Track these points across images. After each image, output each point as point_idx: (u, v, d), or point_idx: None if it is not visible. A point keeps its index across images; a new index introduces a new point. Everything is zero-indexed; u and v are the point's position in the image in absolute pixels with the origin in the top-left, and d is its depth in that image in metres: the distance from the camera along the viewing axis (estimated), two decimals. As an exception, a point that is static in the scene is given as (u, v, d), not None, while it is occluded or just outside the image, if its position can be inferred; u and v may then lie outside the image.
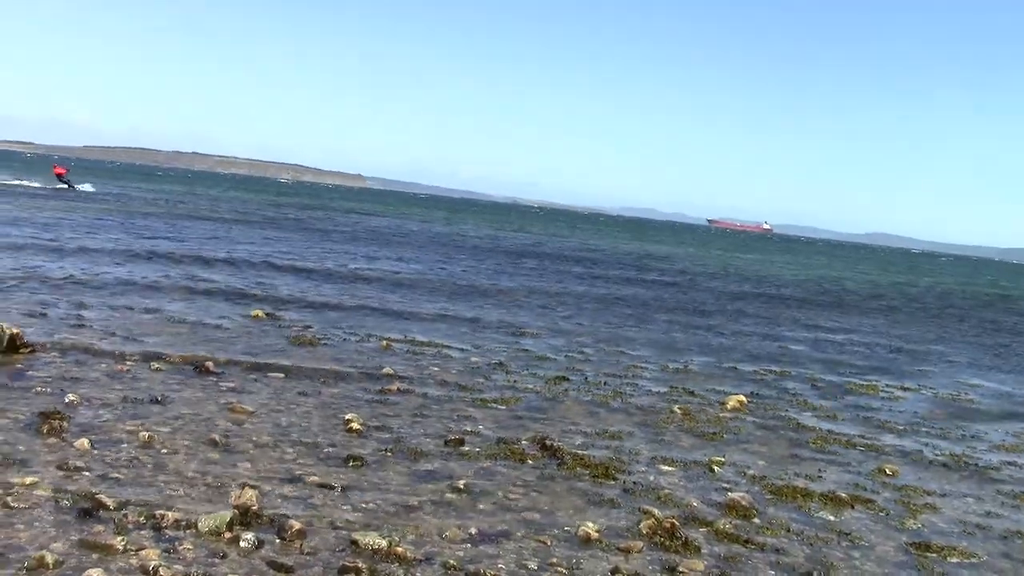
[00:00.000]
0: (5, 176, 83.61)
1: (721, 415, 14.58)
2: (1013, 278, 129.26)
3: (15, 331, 13.38)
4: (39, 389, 11.55)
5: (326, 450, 10.39)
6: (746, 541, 8.99)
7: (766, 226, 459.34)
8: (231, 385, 13.00)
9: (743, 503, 10.00)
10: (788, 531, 9.46)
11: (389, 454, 10.52)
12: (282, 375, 13.96)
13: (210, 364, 13.80)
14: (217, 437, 10.26)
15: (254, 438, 10.53)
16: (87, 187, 77.23)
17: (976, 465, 13.32)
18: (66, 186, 73.71)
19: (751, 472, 11.50)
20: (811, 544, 9.18)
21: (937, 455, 13.70)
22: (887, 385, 19.58)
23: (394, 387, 13.93)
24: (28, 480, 8.35)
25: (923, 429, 15.55)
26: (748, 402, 15.64)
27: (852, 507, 10.52)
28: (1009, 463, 13.69)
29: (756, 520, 9.66)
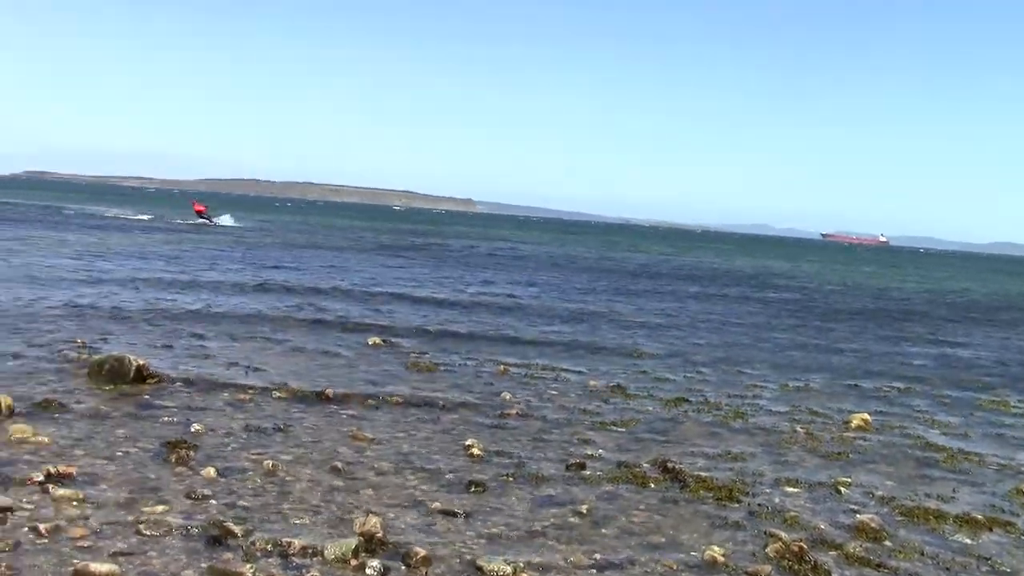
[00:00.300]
0: (132, 211, 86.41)
1: (845, 434, 14.28)
2: None
3: (141, 362, 13.68)
4: (166, 419, 11.78)
5: (447, 476, 10.40)
6: (878, 565, 8.77)
7: (882, 238, 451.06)
8: (351, 413, 13.10)
9: (873, 525, 9.76)
10: (922, 555, 9.20)
11: (510, 479, 10.49)
12: (401, 402, 14.03)
13: (330, 392, 13.93)
14: (340, 465, 10.34)
15: (376, 465, 10.59)
16: (226, 220, 76.33)
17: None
18: (206, 222, 73.03)
19: (879, 493, 11.21)
20: (948, 568, 8.92)
21: (1078, 473, 13.22)
22: (1019, 401, 19.01)
23: (513, 411, 13.93)
24: (159, 508, 8.51)
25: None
26: (872, 420, 15.30)
27: (990, 530, 10.18)
28: None
29: (887, 543, 9.42)
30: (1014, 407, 18.22)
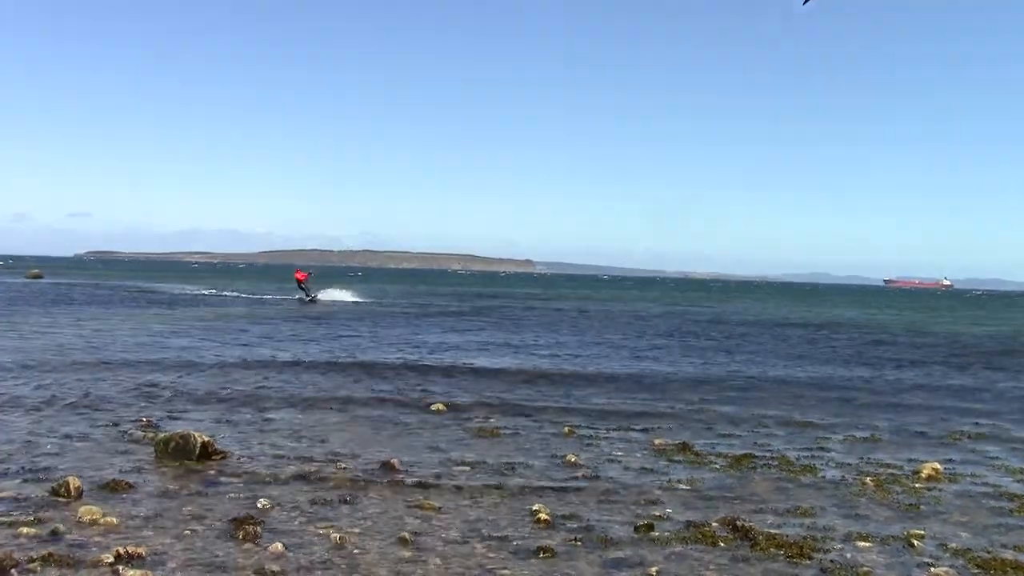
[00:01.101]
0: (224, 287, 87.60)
1: (916, 485, 14.08)
2: None
3: (206, 439, 13.84)
4: (232, 495, 11.89)
5: (515, 543, 10.38)
6: (955, 618, 8.64)
7: (946, 282, 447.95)
8: (417, 481, 13.12)
9: (948, 578, 9.62)
10: (999, 606, 9.06)
11: (578, 543, 10.45)
12: (468, 468, 14.05)
13: (395, 462, 13.97)
14: (407, 535, 10.36)
15: (443, 534, 10.60)
16: (338, 293, 69.37)
17: None
18: (304, 295, 65.17)
19: (953, 545, 11.02)
20: (1025, 619, 8.77)
21: None
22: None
23: (579, 474, 13.90)
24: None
25: None
26: (943, 469, 15.09)
27: (1068, 578, 10.01)
28: None
29: (964, 596, 9.28)
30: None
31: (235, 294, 77.40)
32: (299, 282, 66.51)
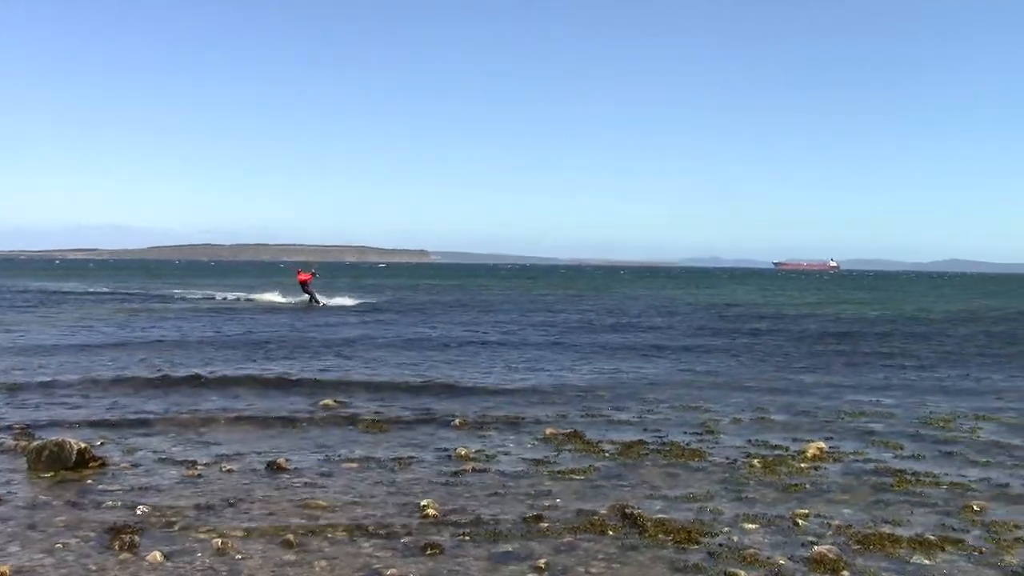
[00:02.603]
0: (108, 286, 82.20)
1: (802, 465, 14.30)
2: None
3: (83, 446, 13.46)
4: (110, 503, 11.53)
5: (403, 540, 10.28)
6: (837, 596, 8.76)
7: (832, 263, 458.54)
8: (305, 480, 12.95)
9: (830, 556, 9.75)
10: (880, 581, 9.21)
11: (467, 537, 10.39)
12: (355, 465, 13.91)
13: (282, 461, 13.79)
14: (292, 537, 10.19)
15: (329, 534, 10.45)
16: (344, 301, 60.33)
17: (1069, 492, 12.93)
18: (309, 299, 58.20)
19: (836, 522, 11.21)
20: (904, 593, 8.93)
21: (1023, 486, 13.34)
22: (967, 416, 19.19)
23: (469, 467, 13.83)
24: (104, 600, 8.33)
25: (1007, 460, 15.17)
26: (828, 448, 15.37)
27: (943, 549, 10.22)
28: (1103, 488, 13.29)
29: (845, 572, 9.42)
30: (963, 423, 18.43)
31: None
32: (303, 284, 59.72)
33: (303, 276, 60.41)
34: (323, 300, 58.57)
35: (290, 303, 58.78)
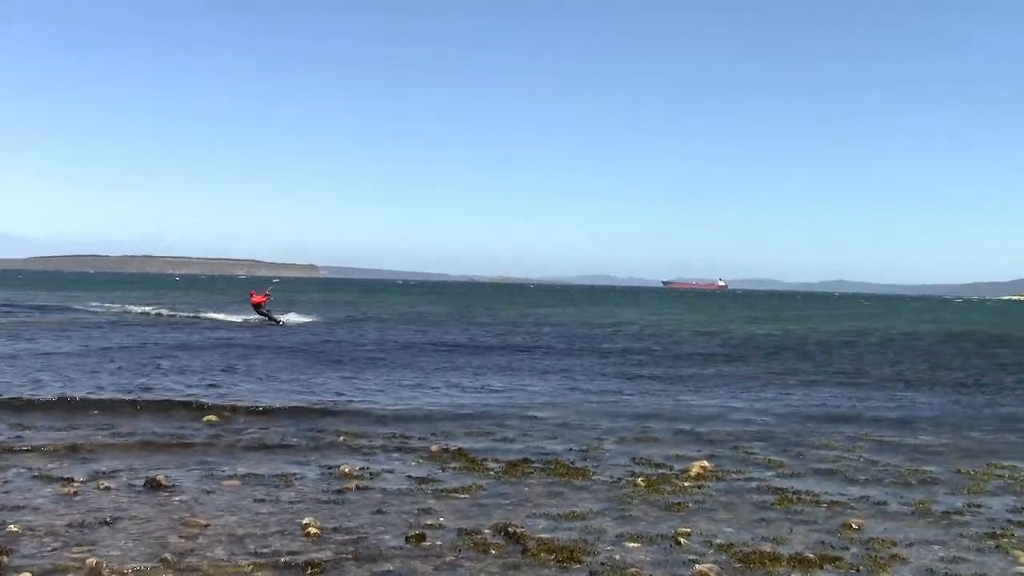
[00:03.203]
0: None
1: (685, 483, 14.43)
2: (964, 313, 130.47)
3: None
4: (-22, 523, 11.19)
5: (283, 559, 10.11)
6: (716, 615, 8.83)
7: (721, 283, 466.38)
8: (184, 498, 12.71)
9: (711, 574, 9.83)
10: (758, 599, 9.31)
11: (348, 557, 10.26)
12: (237, 482, 13.70)
13: (162, 478, 13.52)
14: (169, 556, 9.98)
15: (208, 553, 10.25)
16: (293, 317, 57.82)
17: (940, 511, 13.24)
18: (266, 318, 55.29)
19: (718, 540, 11.31)
20: (782, 611, 9.04)
21: (901, 503, 13.64)
22: (848, 436, 19.59)
23: (352, 485, 13.70)
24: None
25: (886, 478, 15.49)
26: (711, 467, 15.52)
27: (821, 567, 10.37)
28: (972, 505, 13.63)
29: (725, 591, 9.50)
30: (844, 442, 18.80)
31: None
32: (257, 307, 55.97)
33: (257, 298, 56.50)
34: (281, 318, 55.94)
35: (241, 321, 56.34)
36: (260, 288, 59.60)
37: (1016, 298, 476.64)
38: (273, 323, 54.24)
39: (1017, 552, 11.22)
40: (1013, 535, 12.00)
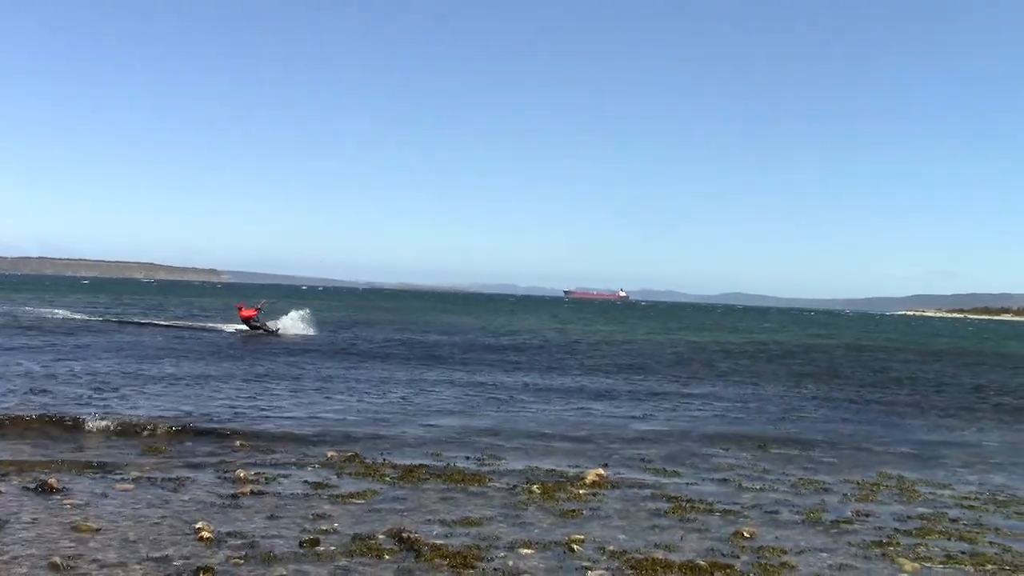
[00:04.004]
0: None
1: (580, 491, 14.55)
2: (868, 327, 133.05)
3: None
4: None
5: (176, 563, 10.01)
6: (606, 620, 8.93)
7: (622, 293, 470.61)
8: (76, 501, 12.49)
9: (603, 581, 9.94)
10: (649, 606, 9.43)
11: (241, 561, 10.19)
12: (131, 486, 13.51)
13: (54, 481, 13.29)
14: (59, 560, 9.82)
15: (99, 557, 10.11)
16: (293, 321, 53.36)
17: (830, 519, 13.54)
18: (260, 330, 50.75)
19: (611, 548, 11.42)
20: (671, 617, 9.17)
21: (793, 512, 13.91)
22: (744, 445, 19.93)
23: (247, 490, 13.59)
24: None
25: (779, 487, 15.79)
26: (607, 475, 15.67)
27: (711, 575, 10.53)
28: (861, 514, 13.97)
29: (617, 597, 9.61)
30: (739, 452, 19.12)
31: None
32: (247, 320, 51.33)
33: (246, 312, 51.63)
34: (278, 326, 51.62)
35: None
36: (251, 302, 55.04)
37: (911, 313, 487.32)
38: (268, 333, 50.30)
39: (902, 560, 11.51)
40: (899, 543, 12.33)
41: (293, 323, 53.18)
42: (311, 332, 52.12)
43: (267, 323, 51.34)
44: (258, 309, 51.63)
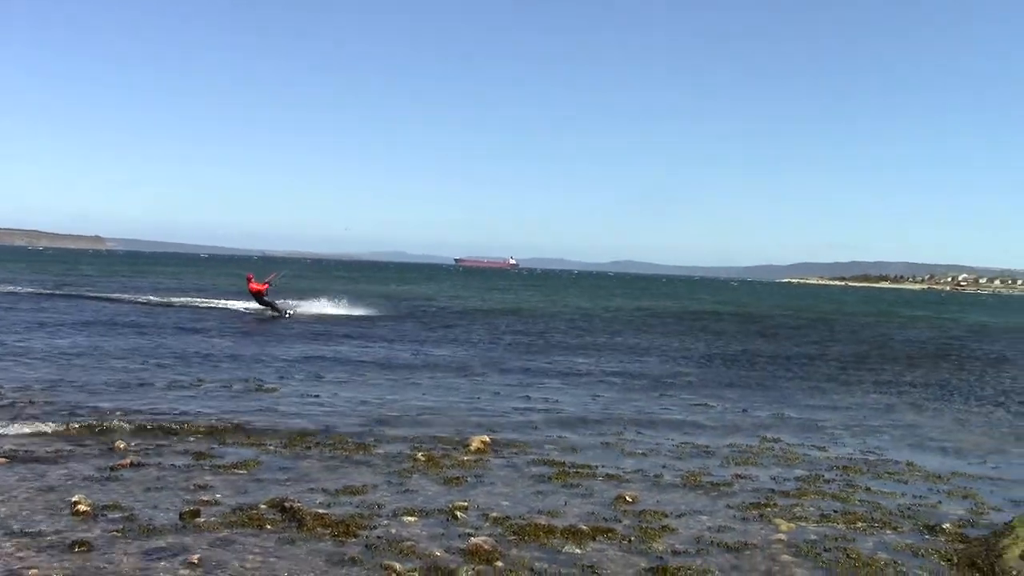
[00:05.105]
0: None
1: (465, 458, 14.57)
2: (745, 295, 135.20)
3: None
4: None
5: (49, 538, 9.78)
6: (489, 586, 8.96)
7: (512, 261, 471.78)
8: (-54, 477, 12.16)
9: (486, 547, 9.96)
10: (532, 571, 9.47)
11: (119, 534, 10.00)
12: (3, 460, 13.15)
13: (-77, 456, 12.92)
14: (-74, 537, 9.56)
15: (-32, 532, 9.85)
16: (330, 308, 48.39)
17: (710, 482, 13.77)
18: (269, 309, 44.91)
19: (494, 514, 11.47)
20: (553, 581, 9.23)
21: (675, 476, 14.11)
22: (629, 410, 20.17)
23: (127, 461, 13.33)
24: None
25: (662, 451, 16.01)
26: (491, 441, 15.72)
27: (594, 539, 10.64)
28: (741, 476, 14.25)
29: (499, 563, 9.63)
30: (623, 417, 19.33)
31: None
32: (256, 295, 45.07)
33: (256, 286, 45.08)
34: (290, 309, 45.57)
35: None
36: (261, 275, 47.80)
37: (792, 281, 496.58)
38: (278, 316, 44.16)
39: (778, 520, 11.77)
40: (776, 504, 12.62)
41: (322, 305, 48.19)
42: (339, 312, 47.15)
43: (276, 302, 45.54)
44: (268, 283, 45.52)
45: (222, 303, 51.01)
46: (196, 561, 9.25)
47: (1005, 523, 11.04)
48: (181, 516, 10.76)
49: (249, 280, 45.20)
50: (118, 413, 16.92)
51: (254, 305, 45.82)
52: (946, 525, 11.95)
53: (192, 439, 15.24)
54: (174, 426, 16.11)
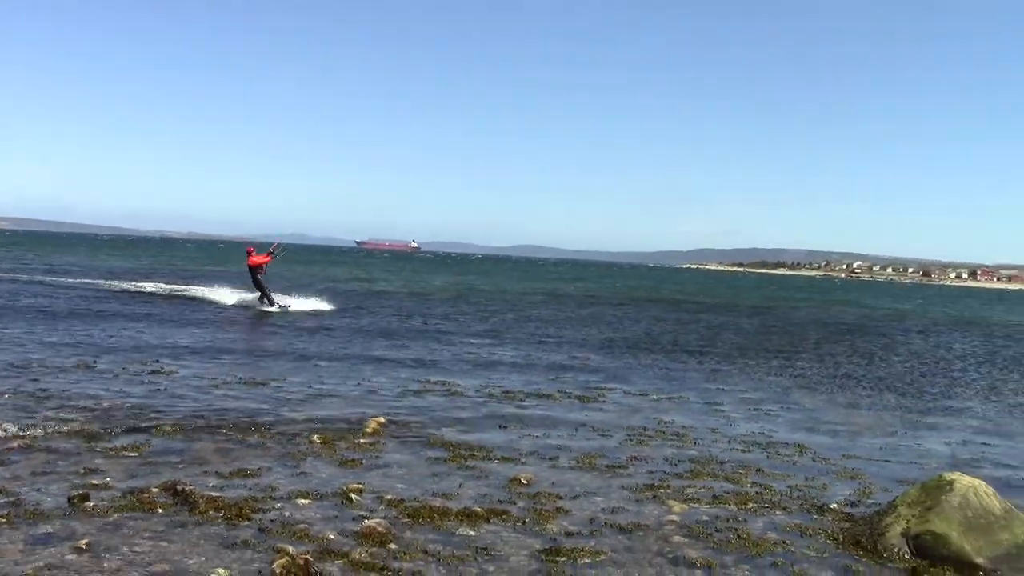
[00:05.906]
0: None
1: (361, 440, 14.53)
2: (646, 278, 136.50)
3: None
4: None
5: (-74, 525, 9.57)
6: (382, 568, 8.94)
7: (413, 244, 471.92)
8: None
9: (380, 530, 9.95)
10: (425, 553, 9.47)
11: (3, 520, 9.77)
12: None
13: None
14: None
15: None
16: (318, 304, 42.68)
17: (605, 464, 13.91)
18: (265, 302, 40.40)
19: (389, 497, 11.45)
20: (447, 564, 9.23)
21: (570, 457, 14.22)
22: (527, 391, 20.26)
23: (14, 445, 13.05)
24: None
25: (559, 433, 16.11)
26: (388, 423, 15.70)
27: (488, 521, 10.67)
28: (636, 458, 14.41)
29: (393, 545, 9.62)
30: (522, 397, 19.48)
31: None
32: (254, 269, 40.97)
33: (256, 259, 40.94)
34: (282, 302, 40.96)
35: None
36: (261, 248, 43.48)
37: (690, 266, 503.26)
38: (271, 306, 40.16)
39: (672, 501, 11.93)
40: (670, 485, 12.78)
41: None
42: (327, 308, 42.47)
43: (269, 290, 41.09)
44: (271, 254, 41.86)
45: (122, 285, 50.21)
46: (84, 546, 9.10)
47: (888, 502, 11.31)
48: (70, 500, 10.55)
49: (249, 253, 41.23)
50: (6, 395, 16.57)
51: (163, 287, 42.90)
52: (833, 505, 12.24)
53: (84, 421, 14.96)
54: (66, 408, 15.81)
